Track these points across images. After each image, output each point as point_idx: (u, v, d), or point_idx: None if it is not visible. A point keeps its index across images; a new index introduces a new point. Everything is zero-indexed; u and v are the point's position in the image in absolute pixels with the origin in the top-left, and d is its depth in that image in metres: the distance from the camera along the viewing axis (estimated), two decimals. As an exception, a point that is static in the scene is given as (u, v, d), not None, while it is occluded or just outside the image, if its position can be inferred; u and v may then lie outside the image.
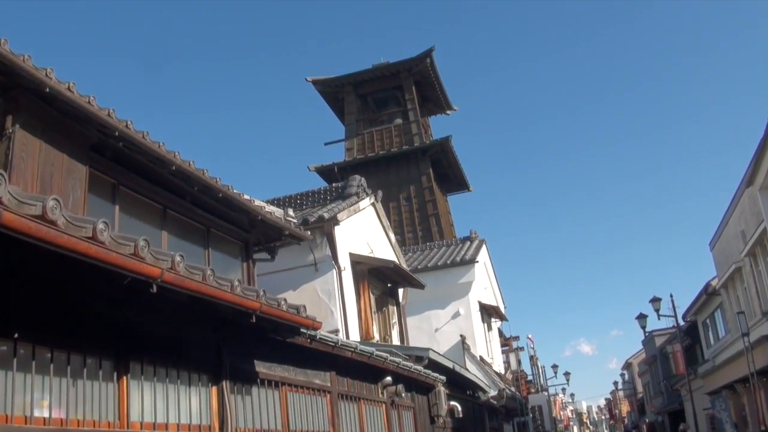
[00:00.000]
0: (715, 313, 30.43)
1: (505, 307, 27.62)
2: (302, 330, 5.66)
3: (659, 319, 31.77)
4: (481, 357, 21.14)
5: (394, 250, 18.57)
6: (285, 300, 5.63)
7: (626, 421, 68.74)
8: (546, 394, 31.76)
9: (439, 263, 22.37)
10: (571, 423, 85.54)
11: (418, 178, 33.06)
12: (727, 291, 26.87)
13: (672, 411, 37.45)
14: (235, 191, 10.32)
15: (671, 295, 31.47)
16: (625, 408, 71.13)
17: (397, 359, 9.24)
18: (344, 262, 14.87)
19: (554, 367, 42.99)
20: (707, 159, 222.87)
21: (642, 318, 31.59)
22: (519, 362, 24.97)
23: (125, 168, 7.84)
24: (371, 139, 34.74)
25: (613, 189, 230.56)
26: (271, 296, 5.24)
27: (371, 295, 15.96)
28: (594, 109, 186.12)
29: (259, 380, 6.12)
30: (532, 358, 30.72)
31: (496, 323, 25.62)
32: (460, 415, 12.61)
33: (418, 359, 11.59)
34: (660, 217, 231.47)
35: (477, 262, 21.98)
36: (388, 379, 9.27)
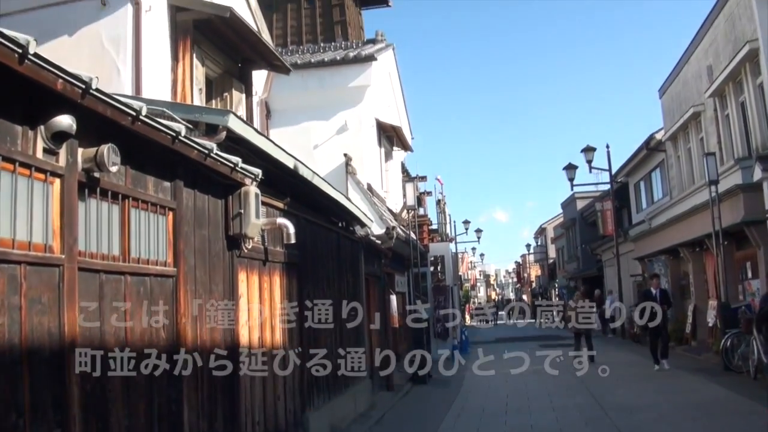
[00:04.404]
0: (652, 174, 26.48)
1: (412, 138, 22.56)
2: None
3: (590, 171, 27.56)
4: (369, 186, 16.13)
5: (254, 17, 12.86)
6: None
7: (534, 284, 67.02)
8: (452, 245, 27.39)
9: (326, 59, 16.79)
10: (479, 284, 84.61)
11: (326, -25, 26.76)
12: (674, 144, 22.52)
13: (588, 276, 34.14)
14: None
15: (607, 146, 27.13)
16: (534, 272, 69.36)
17: (86, 76, 3.92)
18: (151, -1, 9.30)
19: (466, 222, 39.13)
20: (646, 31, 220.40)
21: (571, 169, 27.25)
22: (418, 199, 20.09)
23: None
24: None
25: (562, 49, 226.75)
26: None
27: (197, 62, 10.37)
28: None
29: None
30: (440, 203, 26.07)
31: (398, 152, 20.51)
32: (291, 241, 7.59)
33: (211, 129, 6.35)
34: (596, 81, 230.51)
35: (376, 60, 16.43)
36: (63, 122, 3.99)
